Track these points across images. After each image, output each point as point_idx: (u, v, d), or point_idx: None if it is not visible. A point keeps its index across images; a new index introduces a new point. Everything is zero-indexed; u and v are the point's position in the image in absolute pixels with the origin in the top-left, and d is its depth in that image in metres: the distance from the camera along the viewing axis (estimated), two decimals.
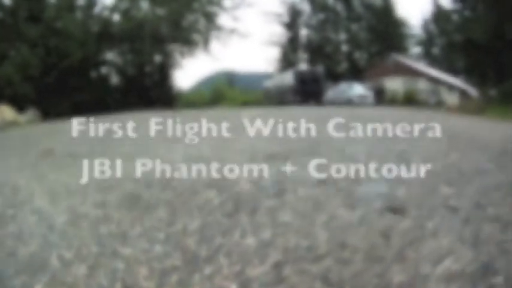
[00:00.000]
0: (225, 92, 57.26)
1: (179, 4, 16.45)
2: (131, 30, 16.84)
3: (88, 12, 15.37)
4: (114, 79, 16.61)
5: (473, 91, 30.91)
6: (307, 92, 26.18)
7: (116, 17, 16.39)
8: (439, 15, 40.96)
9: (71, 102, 15.32)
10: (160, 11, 15.97)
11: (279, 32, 47.71)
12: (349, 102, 26.33)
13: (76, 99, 15.44)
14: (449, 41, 31.30)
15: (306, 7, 47.91)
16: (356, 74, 41.18)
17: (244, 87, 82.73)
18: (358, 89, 27.99)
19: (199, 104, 62.97)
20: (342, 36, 46.50)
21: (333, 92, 29.82)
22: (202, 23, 18.28)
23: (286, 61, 46.66)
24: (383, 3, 48.86)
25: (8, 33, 12.30)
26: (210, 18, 18.11)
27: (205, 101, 61.65)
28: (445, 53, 37.01)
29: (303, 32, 48.50)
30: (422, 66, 38.17)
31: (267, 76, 48.11)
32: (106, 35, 16.44)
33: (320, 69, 28.93)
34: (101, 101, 16.13)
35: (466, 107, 19.99)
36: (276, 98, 29.50)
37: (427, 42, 54.01)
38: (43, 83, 13.42)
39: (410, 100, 27.14)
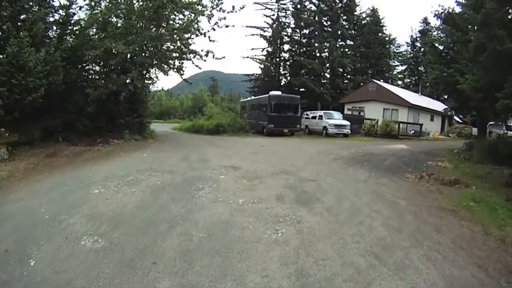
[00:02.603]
0: (206, 101, 58.99)
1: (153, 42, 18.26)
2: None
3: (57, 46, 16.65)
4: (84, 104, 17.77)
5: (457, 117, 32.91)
6: (283, 118, 27.67)
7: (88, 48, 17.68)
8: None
9: (42, 128, 16.64)
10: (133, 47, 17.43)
11: (261, 45, 49.42)
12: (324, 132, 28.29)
13: (46, 124, 16.77)
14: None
15: (290, 21, 50.20)
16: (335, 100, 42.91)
17: (229, 88, 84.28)
18: (335, 119, 29.80)
19: (174, 112, 64.13)
20: (325, 54, 48.08)
21: (308, 120, 31.57)
22: (177, 49, 19.78)
23: (267, 74, 48.38)
24: (371, 20, 51.43)
25: None
26: (185, 44, 19.54)
27: (186, 108, 63.23)
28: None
29: (286, 47, 50.73)
30: (403, 93, 40.41)
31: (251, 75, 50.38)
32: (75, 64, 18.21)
33: (297, 96, 30.30)
34: (70, 125, 17.56)
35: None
36: (252, 118, 31.05)
37: (413, 61, 56.97)
38: (10, 118, 14.25)
39: (387, 132, 28.99)
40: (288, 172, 11.09)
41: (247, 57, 49.91)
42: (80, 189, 8.97)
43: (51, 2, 17.42)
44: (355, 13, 51.03)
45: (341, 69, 48.23)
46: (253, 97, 39.99)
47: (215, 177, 10.02)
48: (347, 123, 29.24)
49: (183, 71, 20.52)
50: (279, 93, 30.15)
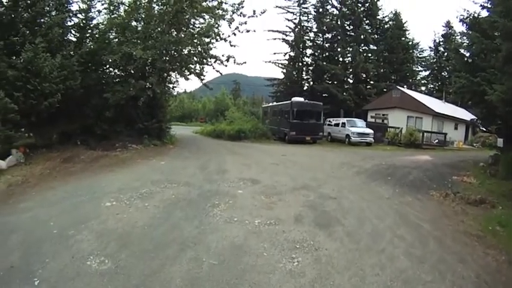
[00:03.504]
0: (228, 105, 59.01)
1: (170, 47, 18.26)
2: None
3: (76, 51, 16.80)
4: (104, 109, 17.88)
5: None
6: (305, 125, 27.26)
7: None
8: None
9: (59, 132, 16.82)
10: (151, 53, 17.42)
11: (283, 50, 49.05)
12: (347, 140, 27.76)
13: (64, 129, 16.95)
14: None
15: (312, 25, 49.82)
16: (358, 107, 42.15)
17: (252, 91, 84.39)
18: (358, 127, 29.26)
19: (196, 116, 64.51)
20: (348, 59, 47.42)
21: (331, 127, 31.08)
22: (197, 54, 19.74)
23: (289, 79, 48.01)
24: (393, 24, 50.48)
25: None
26: (206, 49, 19.48)
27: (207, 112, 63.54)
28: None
29: (308, 52, 50.32)
30: (428, 100, 39.35)
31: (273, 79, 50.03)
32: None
33: (319, 103, 29.82)
34: (88, 129, 17.71)
35: None
36: (273, 125, 30.73)
37: (436, 66, 55.58)
38: (27, 121, 14.45)
39: (411, 142, 28.24)
40: (309, 187, 10.72)
41: (270, 61, 49.90)
42: (92, 200, 8.84)
43: (68, 6, 17.56)
44: (378, 17, 50.27)
45: (364, 75, 47.65)
46: (275, 103, 39.64)
47: (232, 192, 9.68)
48: (370, 131, 28.71)
49: (204, 76, 20.47)
50: (301, 99, 29.78)
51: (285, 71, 49.45)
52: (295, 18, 49.02)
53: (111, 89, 18.10)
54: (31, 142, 15.94)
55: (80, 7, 18.24)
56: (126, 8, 19.13)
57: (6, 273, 5.47)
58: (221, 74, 21.50)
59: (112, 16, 18.97)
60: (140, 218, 7.50)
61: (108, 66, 19.44)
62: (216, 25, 19.09)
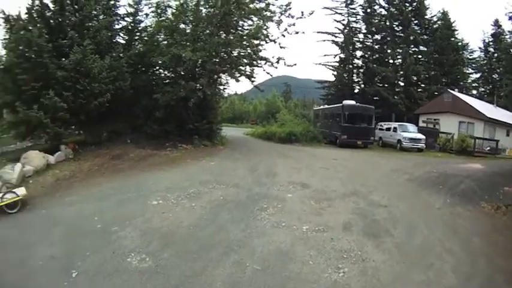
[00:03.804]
0: (279, 107, 58.84)
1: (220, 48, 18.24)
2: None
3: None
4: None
5: None
6: (356, 129, 26.36)
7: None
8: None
9: (109, 131, 17.38)
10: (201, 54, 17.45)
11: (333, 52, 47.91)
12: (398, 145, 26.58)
13: (114, 127, 17.47)
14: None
15: (361, 26, 48.23)
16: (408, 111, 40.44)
17: (302, 94, 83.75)
18: (409, 132, 27.95)
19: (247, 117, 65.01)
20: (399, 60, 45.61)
21: (382, 132, 29.90)
22: (247, 56, 19.61)
23: (340, 81, 46.95)
24: (442, 25, 47.93)
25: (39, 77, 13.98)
26: (255, 51, 19.31)
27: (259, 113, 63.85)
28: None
29: (358, 53, 48.73)
30: (479, 105, 36.61)
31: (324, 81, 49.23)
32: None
33: (371, 106, 28.75)
34: (138, 128, 18.06)
35: None
36: (324, 128, 29.97)
37: (487, 68, 52.08)
38: (77, 120, 14.96)
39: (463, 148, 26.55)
40: (359, 194, 10.20)
41: (320, 63, 48.87)
42: (138, 198, 8.87)
43: (115, 10, 18.06)
44: (426, 17, 47.29)
45: (415, 77, 45.34)
46: (326, 105, 38.81)
47: (282, 196, 9.33)
48: (422, 137, 27.16)
49: (254, 78, 20.30)
50: (353, 102, 28.95)
51: (335, 73, 48.22)
52: (344, 19, 47.64)
53: (161, 90, 18.28)
54: (81, 139, 16.56)
55: (127, 11, 18.78)
56: (174, 11, 19.43)
57: (47, 263, 5.56)
58: (271, 76, 21.20)
59: (160, 19, 19.30)
60: (186, 218, 7.37)
61: (157, 67, 19.76)
62: (265, 27, 18.89)
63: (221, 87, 22.10)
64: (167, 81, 19.85)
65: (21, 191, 9.18)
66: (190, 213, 7.68)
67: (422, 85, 46.10)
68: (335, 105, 30.98)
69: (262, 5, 18.96)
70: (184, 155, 16.02)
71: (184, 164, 13.96)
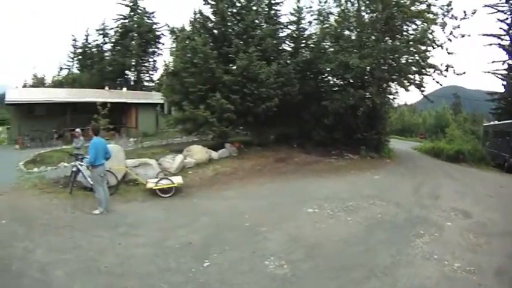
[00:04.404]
0: (448, 121, 53.52)
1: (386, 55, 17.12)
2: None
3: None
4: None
5: None
6: None
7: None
8: None
9: (276, 134, 18.18)
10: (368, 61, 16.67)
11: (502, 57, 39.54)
12: None
13: (281, 131, 18.21)
14: None
15: None
16: None
17: (471, 106, 74.90)
18: None
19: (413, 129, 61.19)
20: None
21: None
22: (415, 63, 18.08)
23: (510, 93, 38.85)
24: None
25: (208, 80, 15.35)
26: (423, 58, 17.69)
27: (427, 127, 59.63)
28: None
29: None
30: None
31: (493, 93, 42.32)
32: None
33: None
34: (305, 134, 18.33)
35: None
36: (493, 148, 25.49)
37: None
38: (244, 121, 15.94)
39: None
40: None
41: (488, 72, 41.07)
42: (294, 203, 8.73)
43: (277, 19, 18.54)
44: None
45: None
46: (496, 121, 33.16)
47: (441, 223, 7.88)
48: None
49: (424, 87, 18.55)
50: None
51: (505, 83, 40.04)
52: (507, 18, 38.94)
53: (329, 96, 18.04)
54: (247, 140, 17.55)
55: (289, 19, 19.14)
56: (336, 17, 18.98)
57: (183, 247, 5.82)
58: (441, 85, 18.94)
59: (323, 26, 19.03)
60: (338, 231, 6.86)
61: (326, 74, 19.60)
62: (429, 30, 17.03)
63: (390, 97, 20.81)
64: (336, 88, 19.50)
65: (177, 179, 10.12)
66: (343, 227, 7.12)
67: None
68: (505, 122, 25.99)
69: (423, 6, 17.23)
70: (349, 164, 15.36)
71: (347, 175, 13.40)
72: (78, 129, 12.76)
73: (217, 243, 5.94)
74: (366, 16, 18.33)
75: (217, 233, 6.53)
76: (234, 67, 15.55)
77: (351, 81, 18.15)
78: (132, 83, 44.42)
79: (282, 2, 18.77)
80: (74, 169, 9.88)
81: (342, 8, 18.47)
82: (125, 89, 33.74)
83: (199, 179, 11.48)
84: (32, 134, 22.93)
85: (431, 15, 16.92)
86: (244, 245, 5.92)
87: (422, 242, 6.59)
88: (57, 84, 45.24)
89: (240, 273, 4.96)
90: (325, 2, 18.91)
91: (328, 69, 17.77)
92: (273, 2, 18.52)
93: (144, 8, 44.63)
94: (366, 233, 6.88)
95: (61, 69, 50.52)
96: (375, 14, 17.71)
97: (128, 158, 11.37)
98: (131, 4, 44.26)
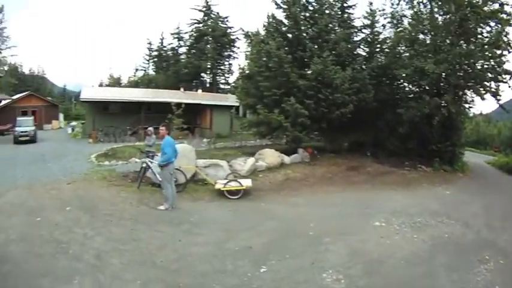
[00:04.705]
0: None
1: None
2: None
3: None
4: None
5: None
6: None
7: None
8: None
9: (350, 141, 17.67)
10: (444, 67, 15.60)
11: None
12: None
13: (355, 138, 17.62)
14: None
15: None
16: None
17: None
18: None
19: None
20: None
21: None
22: (491, 68, 16.64)
23: None
24: None
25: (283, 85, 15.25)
26: (498, 63, 16.23)
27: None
28: None
29: None
30: None
31: None
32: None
33: None
34: (379, 142, 17.52)
35: None
36: None
37: None
38: (318, 127, 15.59)
39: None
40: None
41: None
42: (362, 215, 8.48)
43: (350, 23, 17.84)
44: None
45: None
46: None
47: (508, 249, 7.07)
48: None
49: (500, 95, 16.97)
50: None
51: None
52: None
53: (405, 104, 16.88)
54: (320, 146, 17.26)
55: (363, 23, 18.32)
56: (410, 20, 17.84)
57: (242, 250, 5.91)
58: None
59: (397, 30, 18.06)
60: (402, 249, 6.51)
61: (401, 80, 18.60)
62: (504, 32, 15.52)
63: (466, 106, 19.32)
64: (411, 95, 18.53)
65: (246, 182, 10.25)
66: (408, 244, 6.73)
67: None
68: None
69: (496, 5, 15.75)
70: (421, 177, 14.42)
71: (418, 188, 12.63)
72: (150, 128, 13.29)
73: (277, 250, 5.95)
74: (440, 18, 17.21)
75: (279, 239, 6.54)
76: (309, 71, 15.37)
77: (427, 88, 17.10)
78: (207, 85, 45.85)
79: (354, 5, 18.14)
80: (144, 165, 10.37)
81: (415, 10, 17.55)
82: (200, 91, 34.98)
83: (269, 183, 11.56)
84: (105, 129, 24.44)
85: (505, 16, 15.56)
86: (305, 255, 5.87)
87: (486, 269, 6.04)
88: (133, 84, 48.24)
89: (294, 283, 4.94)
90: (398, 4, 18.01)
91: (404, 75, 16.87)
92: (345, 5, 17.99)
93: (218, 13, 45.95)
94: (429, 253, 6.45)
95: (136, 70, 53.78)
96: (448, 16, 16.60)
97: (200, 158, 11.75)
98: (204, 9, 45.76)
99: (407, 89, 18.83)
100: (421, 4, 17.51)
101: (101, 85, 57.13)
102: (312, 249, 6.10)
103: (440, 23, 16.84)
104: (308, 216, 7.97)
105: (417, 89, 18.04)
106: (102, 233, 6.49)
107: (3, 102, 33.52)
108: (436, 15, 17.25)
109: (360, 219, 8.08)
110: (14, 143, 22.25)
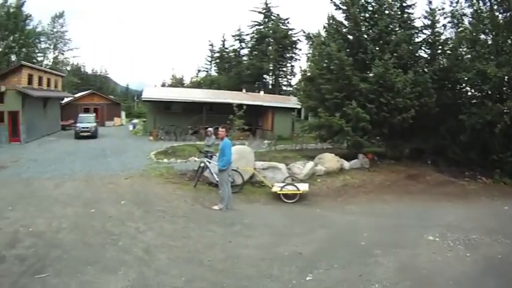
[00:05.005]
0: None
1: None
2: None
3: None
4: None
5: None
6: None
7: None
8: None
9: (411, 148, 17.05)
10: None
11: None
12: None
13: (416, 145, 16.92)
14: None
15: None
16: None
17: None
18: None
19: None
20: None
21: None
22: None
23: None
24: None
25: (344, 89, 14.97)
26: None
27: None
28: None
29: None
30: None
31: None
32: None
33: None
34: (441, 150, 16.62)
35: None
36: None
37: None
38: (379, 132, 15.25)
39: None
40: None
41: None
42: (416, 227, 8.14)
43: (411, 23, 16.98)
44: None
45: None
46: None
47: None
48: None
49: None
50: None
51: None
52: None
53: (467, 110, 15.74)
54: (381, 151, 16.87)
55: (423, 23, 17.27)
56: (470, 19, 16.80)
57: (291, 256, 5.99)
58: None
59: (459, 30, 17.06)
60: (452, 268, 6.12)
61: (464, 84, 17.48)
62: None
63: None
64: (474, 101, 17.47)
65: (303, 186, 10.33)
66: (459, 263, 6.30)
67: None
68: None
69: None
70: (481, 189, 13.42)
71: (476, 201, 11.81)
72: (210, 128, 13.71)
73: (326, 259, 5.98)
74: (500, 16, 16.00)
75: (330, 247, 6.60)
76: (370, 74, 15.08)
77: (489, 92, 15.89)
78: (270, 86, 46.22)
79: (414, 5, 17.20)
80: (202, 165, 10.73)
81: (475, 8, 16.54)
82: (262, 92, 35.45)
83: (327, 189, 11.59)
84: (166, 128, 25.60)
85: None
86: (353, 266, 5.83)
87: None
88: (196, 84, 49.73)
89: None
90: (457, 2, 17.04)
91: (466, 78, 15.86)
92: (404, 4, 17.19)
93: (278, 15, 46.11)
94: (479, 273, 6.01)
95: (199, 71, 55.37)
96: (508, 13, 15.43)
97: (260, 160, 11.93)
98: (264, 11, 46.08)
99: (469, 93, 17.72)
100: (480, 1, 16.45)
101: (163, 85, 59.46)
102: (361, 260, 6.05)
103: (501, 21, 15.66)
104: (362, 226, 7.91)
105: (479, 94, 16.94)
106: (153, 228, 6.86)
107: (66, 99, 36.39)
108: (496, 13, 16.09)
109: (414, 231, 7.82)
110: (75, 138, 24.39)
